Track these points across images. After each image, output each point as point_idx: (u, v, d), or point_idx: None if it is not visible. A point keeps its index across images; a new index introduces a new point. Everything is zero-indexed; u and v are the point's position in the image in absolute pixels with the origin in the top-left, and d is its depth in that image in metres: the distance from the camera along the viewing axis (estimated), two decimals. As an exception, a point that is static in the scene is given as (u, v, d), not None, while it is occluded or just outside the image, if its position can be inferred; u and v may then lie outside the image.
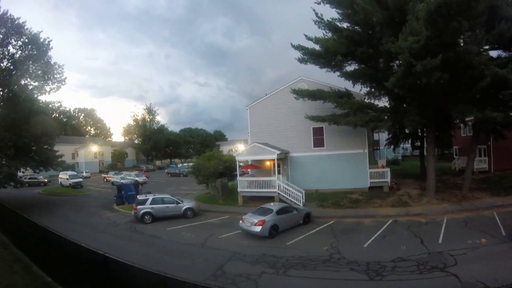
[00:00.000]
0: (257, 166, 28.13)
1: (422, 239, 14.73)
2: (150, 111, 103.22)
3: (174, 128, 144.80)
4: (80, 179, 46.97)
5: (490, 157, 32.17)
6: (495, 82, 18.42)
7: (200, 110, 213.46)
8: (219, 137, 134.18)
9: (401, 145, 38.68)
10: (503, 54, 21.61)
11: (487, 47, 21.62)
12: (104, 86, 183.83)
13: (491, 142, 30.75)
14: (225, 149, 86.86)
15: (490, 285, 9.33)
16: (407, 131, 29.40)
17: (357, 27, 22.21)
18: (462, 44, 19.37)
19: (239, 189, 25.54)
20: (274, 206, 18.58)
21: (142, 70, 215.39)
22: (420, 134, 30.95)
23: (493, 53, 22.39)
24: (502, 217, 17.35)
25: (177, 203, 22.60)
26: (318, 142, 26.59)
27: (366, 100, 24.08)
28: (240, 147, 49.84)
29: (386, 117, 22.47)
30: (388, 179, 24.99)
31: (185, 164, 77.49)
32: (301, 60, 24.06)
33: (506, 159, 31.17)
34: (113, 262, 7.55)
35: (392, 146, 32.15)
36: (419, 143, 33.17)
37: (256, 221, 16.40)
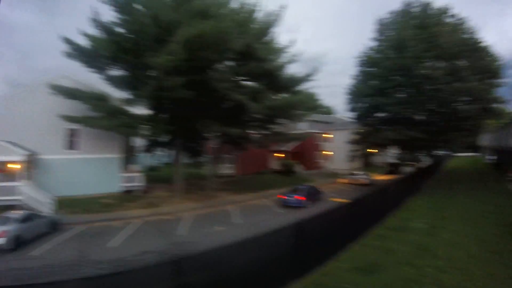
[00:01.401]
0: (-1, 170, 23.81)
1: (167, 233, 16.87)
2: None
3: None
4: None
5: (235, 164, 39.20)
6: (237, 105, 23.23)
7: None
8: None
9: (163, 152, 40.76)
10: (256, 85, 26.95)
11: (245, 78, 26.84)
12: None
13: (236, 152, 37.14)
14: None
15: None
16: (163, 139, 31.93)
17: (131, 35, 22.60)
18: (214, 70, 23.31)
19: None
20: (17, 214, 16.26)
21: None
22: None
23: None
24: (237, 209, 23.08)
25: None
26: (73, 144, 24.89)
27: (125, 107, 24.61)
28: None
29: (139, 124, 23.79)
30: (141, 183, 26.23)
31: None
32: (69, 55, 22.43)
33: (248, 166, 39.37)
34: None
35: (148, 153, 33.82)
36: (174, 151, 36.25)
37: (-5, 233, 14.08)
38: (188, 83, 21.27)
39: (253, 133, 30.39)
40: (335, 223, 12.81)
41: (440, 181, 35.17)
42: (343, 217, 13.51)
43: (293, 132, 35.91)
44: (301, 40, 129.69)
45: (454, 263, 10.96)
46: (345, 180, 37.96)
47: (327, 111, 71.91)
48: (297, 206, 23.20)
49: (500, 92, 31.24)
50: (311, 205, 23.39)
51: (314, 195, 25.77)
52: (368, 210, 16.23)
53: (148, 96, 21.61)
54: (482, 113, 30.09)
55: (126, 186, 25.75)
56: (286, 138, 31.91)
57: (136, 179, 26.25)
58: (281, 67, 26.32)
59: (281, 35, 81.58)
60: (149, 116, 25.51)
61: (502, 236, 13.94)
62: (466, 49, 28.00)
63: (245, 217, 20.60)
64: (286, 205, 23.70)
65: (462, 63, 28.84)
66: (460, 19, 29.81)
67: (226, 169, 38.15)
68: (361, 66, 34.08)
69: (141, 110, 25.84)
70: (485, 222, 16.50)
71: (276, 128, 31.17)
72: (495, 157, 51.14)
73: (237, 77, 26.55)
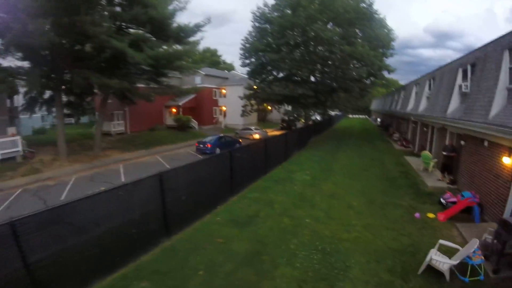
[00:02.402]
0: None
1: (46, 200, 15.49)
2: None
3: None
4: None
5: (126, 120, 37.59)
6: (118, 54, 21.29)
7: None
8: None
9: (49, 112, 36.66)
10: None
11: (129, 24, 24.37)
12: None
13: (128, 107, 35.79)
14: None
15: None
16: (46, 96, 28.47)
17: None
18: (89, 14, 20.20)
19: None
20: None
21: None
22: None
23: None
24: (125, 167, 22.33)
25: None
26: None
27: None
28: None
29: (8, 78, 20.56)
30: (20, 148, 23.37)
31: None
32: None
33: (141, 122, 38.38)
34: None
35: (29, 113, 29.93)
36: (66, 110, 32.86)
37: None
38: (59, 28, 18.86)
39: (141, 86, 28.73)
40: (211, 175, 12.48)
41: (329, 137, 37.98)
42: (220, 168, 13.31)
43: (186, 86, 34.99)
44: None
45: (332, 214, 11.64)
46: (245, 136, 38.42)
47: (228, 67, 71.66)
48: (207, 152, 26.33)
49: (390, 63, 34.03)
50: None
51: (226, 144, 27.80)
52: (251, 162, 16.42)
53: (15, 44, 18.62)
54: (371, 78, 32.54)
55: (4, 153, 22.62)
56: (177, 91, 30.55)
57: (14, 144, 23.20)
58: (169, 15, 24.59)
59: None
60: (22, 68, 22.17)
61: (382, 189, 15.21)
62: (361, 17, 29.54)
63: (134, 175, 19.08)
64: (200, 152, 27.53)
65: (356, 29, 30.52)
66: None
67: (117, 126, 36.57)
68: (255, 21, 33.91)
69: (14, 62, 22.29)
70: (368, 176, 17.90)
71: (167, 81, 30.00)
72: (381, 120, 57.36)
73: (120, 24, 24.27)
